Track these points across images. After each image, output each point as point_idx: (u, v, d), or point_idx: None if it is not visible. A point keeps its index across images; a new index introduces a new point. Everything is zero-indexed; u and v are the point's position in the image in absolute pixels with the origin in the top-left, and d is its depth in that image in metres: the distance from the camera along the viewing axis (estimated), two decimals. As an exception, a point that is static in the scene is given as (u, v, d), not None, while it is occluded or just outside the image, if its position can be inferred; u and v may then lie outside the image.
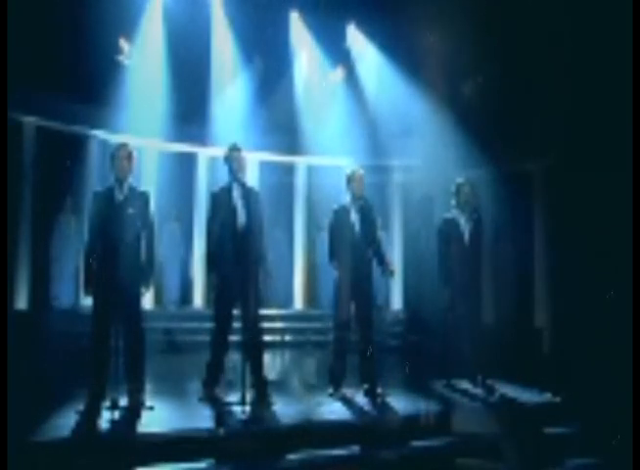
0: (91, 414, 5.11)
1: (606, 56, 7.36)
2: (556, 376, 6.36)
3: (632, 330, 5.65)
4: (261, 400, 5.55)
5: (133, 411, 5.25)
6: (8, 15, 5.42)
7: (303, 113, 11.29)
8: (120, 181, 5.56)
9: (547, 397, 5.98)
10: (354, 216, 6.10)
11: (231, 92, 10.94)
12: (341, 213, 6.15)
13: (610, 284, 7.23)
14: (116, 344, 5.41)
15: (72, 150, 9.64)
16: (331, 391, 6.01)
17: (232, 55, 10.81)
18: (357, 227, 6.09)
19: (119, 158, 5.57)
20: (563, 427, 5.40)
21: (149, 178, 10.18)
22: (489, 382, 6.32)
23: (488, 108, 9.67)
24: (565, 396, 5.91)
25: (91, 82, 8.83)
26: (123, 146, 5.67)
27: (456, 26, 9.13)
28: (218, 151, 10.59)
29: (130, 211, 5.47)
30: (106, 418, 5.02)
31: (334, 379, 6.06)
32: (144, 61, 10.00)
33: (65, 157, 9.42)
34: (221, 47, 10.71)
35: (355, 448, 4.77)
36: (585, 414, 5.50)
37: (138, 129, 9.62)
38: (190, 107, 10.15)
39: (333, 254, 6.15)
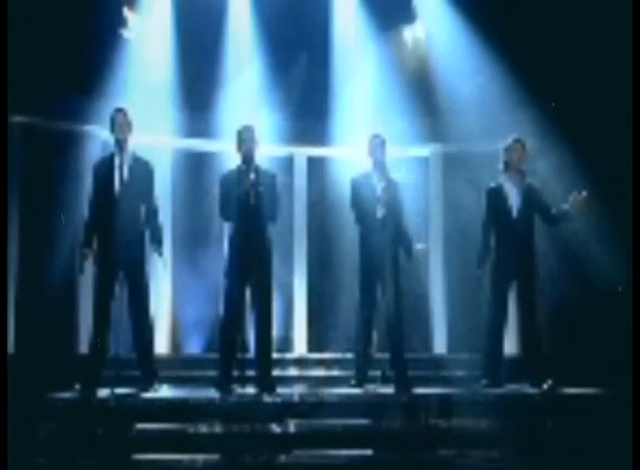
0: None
1: (606, 55, 7.34)
2: (556, 376, 6.31)
3: (632, 329, 5.64)
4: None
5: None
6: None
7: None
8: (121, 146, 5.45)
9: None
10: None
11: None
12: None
13: (610, 284, 7.21)
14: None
15: (66, 149, 8.10)
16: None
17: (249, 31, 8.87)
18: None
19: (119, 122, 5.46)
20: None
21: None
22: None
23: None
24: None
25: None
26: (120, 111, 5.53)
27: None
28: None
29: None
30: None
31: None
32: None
33: (57, 157, 8.07)
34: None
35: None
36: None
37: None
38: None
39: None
